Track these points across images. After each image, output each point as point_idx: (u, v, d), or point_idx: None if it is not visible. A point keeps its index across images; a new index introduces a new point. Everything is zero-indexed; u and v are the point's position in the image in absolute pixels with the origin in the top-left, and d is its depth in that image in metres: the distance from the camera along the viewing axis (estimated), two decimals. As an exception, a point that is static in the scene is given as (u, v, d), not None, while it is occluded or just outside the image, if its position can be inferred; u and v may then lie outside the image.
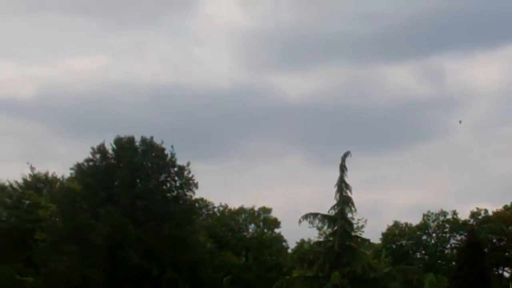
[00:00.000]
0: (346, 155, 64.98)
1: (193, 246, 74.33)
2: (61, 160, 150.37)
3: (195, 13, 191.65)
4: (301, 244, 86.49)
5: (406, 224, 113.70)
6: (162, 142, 76.90)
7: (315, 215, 65.27)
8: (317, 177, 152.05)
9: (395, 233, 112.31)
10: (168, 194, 76.28)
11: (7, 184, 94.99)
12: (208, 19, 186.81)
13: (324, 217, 65.36)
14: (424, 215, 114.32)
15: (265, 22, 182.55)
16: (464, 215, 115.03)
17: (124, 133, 76.96)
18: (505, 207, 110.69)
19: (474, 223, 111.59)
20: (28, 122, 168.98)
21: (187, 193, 76.53)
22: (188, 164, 76.47)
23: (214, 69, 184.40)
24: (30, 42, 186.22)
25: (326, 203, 65.86)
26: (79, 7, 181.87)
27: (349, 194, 64.97)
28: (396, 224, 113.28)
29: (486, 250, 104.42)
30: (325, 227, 67.39)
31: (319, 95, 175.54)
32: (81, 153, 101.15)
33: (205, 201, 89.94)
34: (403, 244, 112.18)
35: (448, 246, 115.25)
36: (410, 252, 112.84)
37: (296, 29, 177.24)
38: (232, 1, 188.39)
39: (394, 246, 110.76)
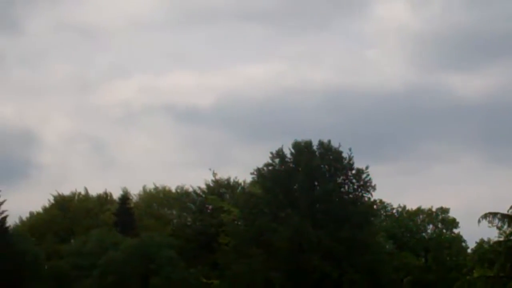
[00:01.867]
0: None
1: (372, 248, 74.62)
2: (241, 165, 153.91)
3: (366, 16, 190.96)
4: (481, 244, 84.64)
5: None
6: (340, 145, 77.88)
7: (494, 214, 63.86)
8: (494, 176, 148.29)
9: None
10: (346, 197, 76.99)
11: (191, 190, 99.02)
12: (379, 21, 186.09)
13: (504, 216, 63.93)
14: None
15: (436, 22, 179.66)
16: None
17: (302, 137, 78.34)
18: None
19: None
20: (208, 130, 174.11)
21: (365, 195, 77.21)
22: (367, 167, 77.08)
23: (386, 70, 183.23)
24: (208, 51, 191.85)
25: (506, 202, 64.56)
26: (254, 15, 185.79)
27: (530, 192, 63.40)
28: None
29: None
30: (505, 226, 65.93)
31: (493, 93, 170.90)
32: (261, 158, 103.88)
33: (383, 202, 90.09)
34: None
35: None
36: None
37: (466, 28, 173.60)
38: (402, 3, 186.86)
39: None
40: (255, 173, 79.49)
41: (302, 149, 77.37)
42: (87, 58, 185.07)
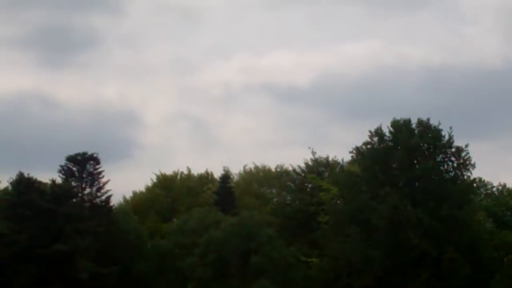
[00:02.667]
0: None
1: (472, 226, 73.74)
2: (340, 144, 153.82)
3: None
4: None
5: None
6: (439, 123, 77.05)
7: None
8: None
9: None
10: (445, 175, 76.24)
11: (290, 169, 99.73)
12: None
13: None
14: None
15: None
16: None
17: (400, 116, 77.83)
18: None
19: None
20: (306, 108, 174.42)
21: (464, 174, 76.27)
22: (467, 145, 76.08)
23: (485, 47, 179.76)
24: (306, 30, 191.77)
25: None
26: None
27: None
28: None
29: None
30: None
31: None
32: (359, 136, 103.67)
33: (483, 180, 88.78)
34: None
35: None
36: None
37: None
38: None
39: None
40: (354, 151, 79.52)
41: (401, 127, 76.89)
42: (188, 39, 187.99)
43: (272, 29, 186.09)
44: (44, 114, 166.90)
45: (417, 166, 75.88)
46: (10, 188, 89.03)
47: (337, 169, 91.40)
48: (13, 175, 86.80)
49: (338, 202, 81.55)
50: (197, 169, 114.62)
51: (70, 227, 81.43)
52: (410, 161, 75.87)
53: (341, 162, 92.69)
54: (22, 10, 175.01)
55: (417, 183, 75.57)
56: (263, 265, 75.42)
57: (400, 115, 77.77)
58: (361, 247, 72.08)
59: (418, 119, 77.26)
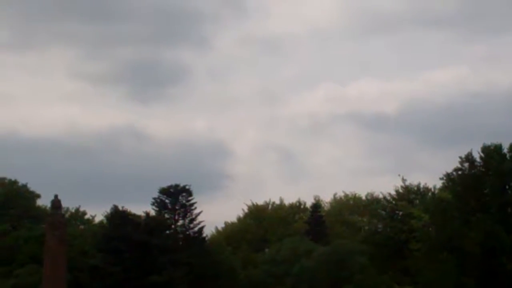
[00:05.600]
0: None
1: None
2: (429, 171, 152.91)
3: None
4: None
5: None
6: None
7: None
8: None
9: None
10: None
11: (380, 196, 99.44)
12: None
13: None
14: None
15: None
16: None
17: (490, 141, 77.00)
18: None
19: None
20: (394, 136, 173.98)
21: None
22: None
23: None
24: (390, 58, 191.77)
25: None
26: (433, 21, 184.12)
27: None
28: None
29: None
30: None
31: None
32: (448, 163, 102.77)
33: None
34: None
35: None
36: None
37: None
38: None
39: None
40: (445, 178, 78.86)
41: (491, 152, 75.98)
42: (273, 70, 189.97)
43: (357, 58, 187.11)
44: (136, 147, 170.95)
45: (509, 191, 74.76)
46: (105, 221, 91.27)
47: (428, 196, 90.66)
48: (107, 209, 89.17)
49: (430, 229, 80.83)
50: (287, 199, 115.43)
51: (164, 259, 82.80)
52: (502, 186, 74.75)
53: (432, 189, 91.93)
54: (113, 46, 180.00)
55: (509, 209, 74.41)
56: (355, 294, 75.36)
57: (490, 141, 76.98)
58: (454, 274, 71.14)
59: (510, 144, 76.23)
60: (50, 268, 65.26)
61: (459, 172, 77.16)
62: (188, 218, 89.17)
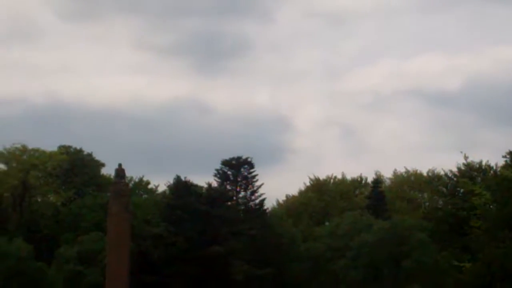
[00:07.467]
0: None
1: None
2: (492, 148, 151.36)
3: None
4: None
5: None
6: None
7: None
8: None
9: None
10: None
11: (442, 173, 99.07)
12: None
13: None
14: None
15: None
16: None
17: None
18: None
19: None
20: (457, 112, 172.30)
21: None
22: None
23: None
24: (455, 33, 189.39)
25: None
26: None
27: None
28: None
29: None
30: None
31: None
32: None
33: None
34: None
35: None
36: None
37: None
38: None
39: None
40: (507, 156, 78.20)
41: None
42: (335, 45, 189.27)
43: (421, 33, 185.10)
44: (199, 119, 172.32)
45: None
46: (168, 191, 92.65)
47: (490, 174, 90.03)
48: (170, 179, 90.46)
49: (491, 207, 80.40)
50: (348, 174, 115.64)
51: (226, 230, 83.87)
52: None
53: (494, 166, 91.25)
54: (177, 18, 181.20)
55: None
56: (414, 270, 75.38)
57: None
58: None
59: None
60: (114, 235, 66.86)
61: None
62: (250, 190, 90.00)
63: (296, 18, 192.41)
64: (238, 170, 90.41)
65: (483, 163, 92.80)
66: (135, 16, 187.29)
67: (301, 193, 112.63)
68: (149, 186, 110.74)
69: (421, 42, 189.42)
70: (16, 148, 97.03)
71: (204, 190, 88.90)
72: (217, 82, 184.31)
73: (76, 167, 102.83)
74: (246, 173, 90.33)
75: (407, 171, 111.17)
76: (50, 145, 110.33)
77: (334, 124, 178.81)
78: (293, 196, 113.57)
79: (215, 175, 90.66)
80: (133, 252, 72.25)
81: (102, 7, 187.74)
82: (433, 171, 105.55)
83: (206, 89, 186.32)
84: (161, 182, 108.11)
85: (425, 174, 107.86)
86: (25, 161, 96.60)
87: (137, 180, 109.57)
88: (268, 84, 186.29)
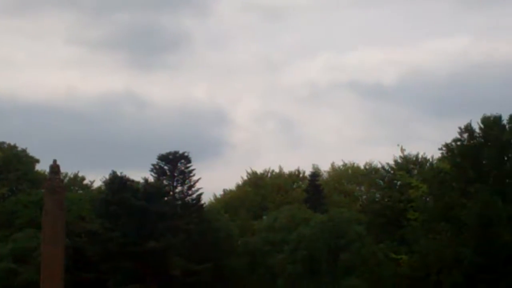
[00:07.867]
0: None
1: None
2: (428, 141, 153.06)
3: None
4: None
5: None
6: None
7: None
8: None
9: None
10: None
11: (379, 166, 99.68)
12: None
13: None
14: None
15: None
16: None
17: (490, 112, 76.88)
18: None
19: None
20: (393, 105, 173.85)
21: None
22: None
23: None
24: (391, 27, 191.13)
25: None
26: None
27: None
28: None
29: None
30: None
31: None
32: (448, 133, 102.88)
33: None
34: None
35: None
36: None
37: None
38: None
39: None
40: (443, 148, 78.82)
41: (491, 123, 75.88)
42: (274, 38, 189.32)
43: (358, 26, 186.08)
44: (135, 114, 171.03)
45: (507, 163, 74.89)
46: (103, 187, 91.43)
47: (426, 167, 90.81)
48: (106, 175, 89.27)
49: (428, 199, 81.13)
50: (286, 167, 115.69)
51: (162, 225, 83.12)
52: (501, 157, 74.83)
53: (430, 159, 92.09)
54: (113, 12, 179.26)
55: (507, 180, 74.51)
56: (352, 262, 75.68)
57: (490, 112, 76.90)
58: (451, 244, 71.49)
59: (510, 115, 76.18)
60: (49, 232, 65.45)
61: (458, 143, 77.12)
62: (187, 185, 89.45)
63: (234, 11, 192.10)
64: (174, 165, 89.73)
65: (420, 155, 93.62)
66: (69, 10, 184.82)
67: (238, 187, 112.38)
68: (85, 182, 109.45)
69: (358, 36, 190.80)
70: None
71: (140, 186, 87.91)
72: (154, 76, 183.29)
73: (9, 163, 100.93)
74: (183, 168, 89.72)
75: (344, 164, 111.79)
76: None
77: (272, 117, 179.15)
78: (231, 191, 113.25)
79: (152, 170, 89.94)
80: (68, 249, 71.01)
81: (35, 2, 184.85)
82: (370, 164, 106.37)
83: (143, 83, 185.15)
84: (96, 178, 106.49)
85: (362, 167, 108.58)
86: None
87: (72, 175, 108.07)
88: (206, 77, 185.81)
